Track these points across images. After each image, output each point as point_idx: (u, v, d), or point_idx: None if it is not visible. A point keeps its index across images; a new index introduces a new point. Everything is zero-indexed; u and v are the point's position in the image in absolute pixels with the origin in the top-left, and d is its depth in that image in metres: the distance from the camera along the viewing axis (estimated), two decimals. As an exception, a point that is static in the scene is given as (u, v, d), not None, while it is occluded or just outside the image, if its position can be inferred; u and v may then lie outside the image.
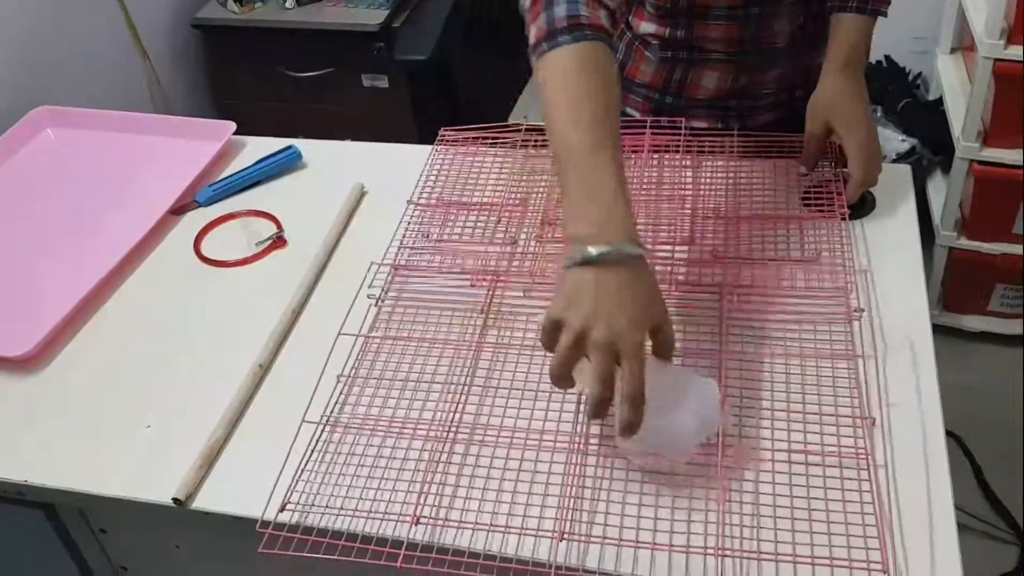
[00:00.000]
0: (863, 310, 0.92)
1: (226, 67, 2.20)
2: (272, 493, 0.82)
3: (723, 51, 1.11)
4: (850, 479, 0.79)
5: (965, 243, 1.99)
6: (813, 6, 1.11)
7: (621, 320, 0.70)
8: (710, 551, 0.75)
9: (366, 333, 0.97)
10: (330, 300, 1.04)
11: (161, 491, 0.85)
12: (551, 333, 0.72)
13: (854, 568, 0.72)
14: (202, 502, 0.85)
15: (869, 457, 0.80)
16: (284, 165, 1.26)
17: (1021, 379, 1.96)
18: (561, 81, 0.78)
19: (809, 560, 0.73)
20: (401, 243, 1.07)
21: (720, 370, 0.88)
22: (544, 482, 0.82)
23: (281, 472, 0.84)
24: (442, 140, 1.22)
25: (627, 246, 0.72)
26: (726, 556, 0.74)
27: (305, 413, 0.88)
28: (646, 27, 1.13)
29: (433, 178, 1.17)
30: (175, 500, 0.84)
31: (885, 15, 1.07)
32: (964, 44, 2.07)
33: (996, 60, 1.73)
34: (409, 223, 1.11)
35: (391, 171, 1.23)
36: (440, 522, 0.79)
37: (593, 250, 0.71)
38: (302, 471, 0.84)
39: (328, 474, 0.84)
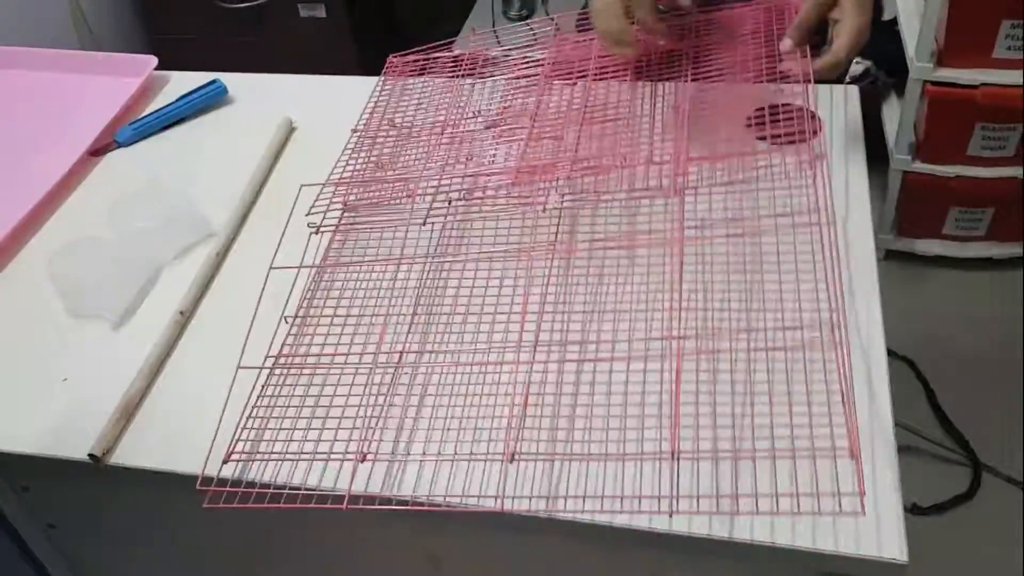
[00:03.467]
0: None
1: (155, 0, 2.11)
2: (212, 446, 0.78)
3: None
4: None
5: (919, 166, 1.97)
6: None
7: None
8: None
9: (307, 265, 0.93)
10: (257, 243, 0.99)
11: (79, 447, 0.81)
12: None
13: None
14: (121, 457, 0.81)
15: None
16: (208, 101, 1.20)
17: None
18: None
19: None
20: (342, 174, 1.02)
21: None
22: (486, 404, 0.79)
23: (220, 423, 0.80)
24: (390, 71, 1.15)
25: None
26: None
27: (240, 358, 0.84)
28: None
29: (381, 110, 1.11)
30: (91, 456, 0.80)
31: None
32: (919, -38, 2.03)
33: (950, -24, 1.70)
34: (352, 152, 1.04)
35: (325, 105, 1.18)
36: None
37: None
38: (247, 418, 0.80)
39: (267, 419, 0.81)
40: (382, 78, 1.15)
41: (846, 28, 0.96)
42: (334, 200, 0.97)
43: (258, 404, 0.82)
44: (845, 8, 0.97)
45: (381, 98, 1.12)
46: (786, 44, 1.00)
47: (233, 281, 0.96)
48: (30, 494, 0.93)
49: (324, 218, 0.96)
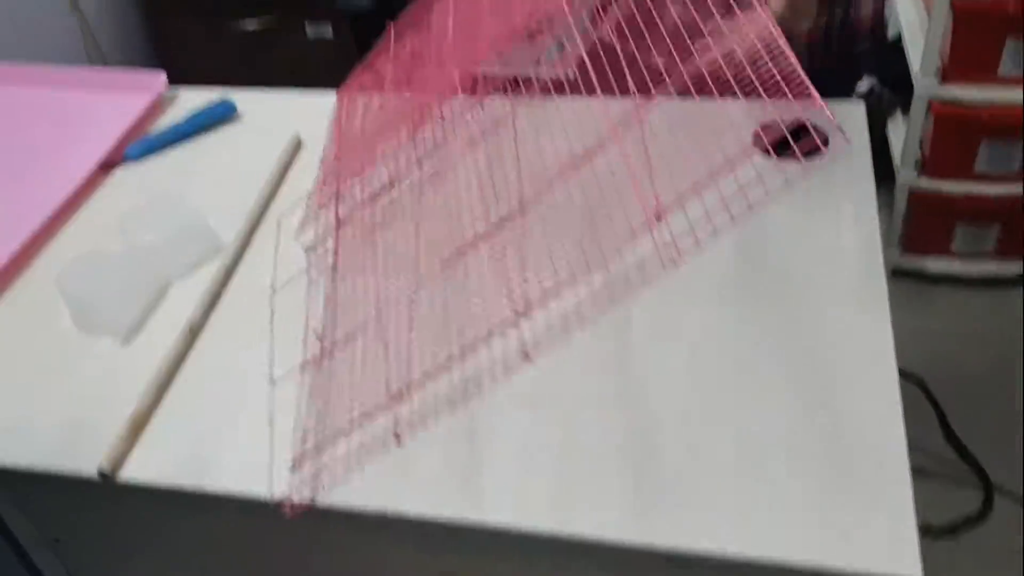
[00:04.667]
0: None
1: (164, 20, 2.12)
2: (272, 463, 0.78)
3: None
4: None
5: (925, 183, 1.97)
6: None
7: None
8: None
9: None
10: (266, 259, 0.99)
11: (87, 462, 0.80)
12: None
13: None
14: (130, 473, 0.81)
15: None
16: (218, 118, 1.21)
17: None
18: None
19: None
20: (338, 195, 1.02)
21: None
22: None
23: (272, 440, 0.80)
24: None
25: None
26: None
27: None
28: None
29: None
30: (101, 473, 0.79)
31: None
32: (923, -21, 2.04)
33: (955, -8, 1.70)
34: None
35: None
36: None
37: None
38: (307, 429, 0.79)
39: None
40: None
41: None
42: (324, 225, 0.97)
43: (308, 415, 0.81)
44: None
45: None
46: None
47: (241, 296, 0.96)
48: (36, 509, 0.92)
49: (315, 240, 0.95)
